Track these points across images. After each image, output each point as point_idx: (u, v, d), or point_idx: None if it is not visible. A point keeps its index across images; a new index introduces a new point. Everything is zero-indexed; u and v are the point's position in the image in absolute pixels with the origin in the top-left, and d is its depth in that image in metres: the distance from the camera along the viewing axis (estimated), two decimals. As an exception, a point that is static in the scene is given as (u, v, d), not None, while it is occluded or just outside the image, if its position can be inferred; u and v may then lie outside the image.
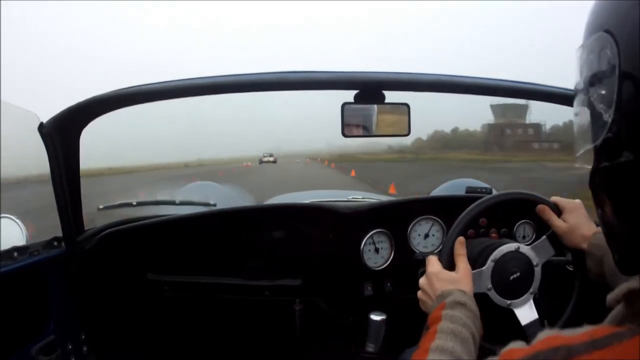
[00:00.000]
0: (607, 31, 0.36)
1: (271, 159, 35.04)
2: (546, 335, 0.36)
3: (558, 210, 0.89)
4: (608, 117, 0.36)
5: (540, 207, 0.90)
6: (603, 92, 0.36)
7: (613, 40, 0.35)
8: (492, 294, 0.84)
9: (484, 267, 0.85)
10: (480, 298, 0.80)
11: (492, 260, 0.85)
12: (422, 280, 0.81)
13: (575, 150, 0.41)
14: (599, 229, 0.80)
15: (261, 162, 33.92)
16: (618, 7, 0.36)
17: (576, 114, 0.41)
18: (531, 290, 0.86)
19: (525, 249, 0.87)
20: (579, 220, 0.86)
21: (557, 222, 0.88)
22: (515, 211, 1.05)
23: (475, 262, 0.86)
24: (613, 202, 0.38)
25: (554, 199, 0.91)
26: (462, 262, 0.81)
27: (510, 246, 0.87)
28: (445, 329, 0.64)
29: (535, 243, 0.90)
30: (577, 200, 0.89)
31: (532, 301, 0.86)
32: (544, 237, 0.90)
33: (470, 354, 0.63)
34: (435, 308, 0.70)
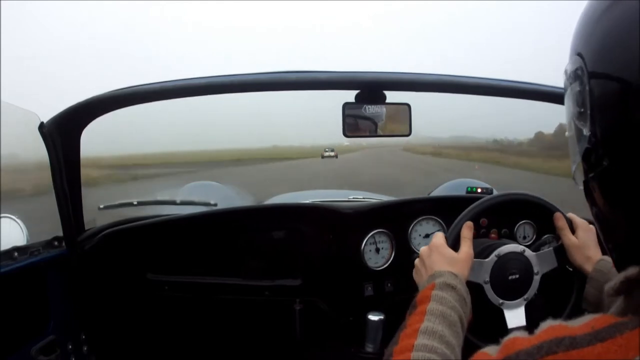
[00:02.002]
0: (578, 54, 0.40)
1: (332, 153, 33.57)
2: (549, 325, 0.37)
3: (571, 227, 0.89)
4: (586, 131, 0.39)
5: (558, 214, 0.90)
6: (581, 109, 0.40)
7: (583, 62, 0.39)
8: (487, 288, 0.84)
9: (486, 259, 0.85)
10: (474, 290, 0.80)
11: (496, 255, 0.85)
12: (423, 249, 0.81)
13: (571, 167, 0.44)
14: (605, 256, 0.82)
15: (322, 156, 32.96)
16: (584, 31, 0.40)
17: (567, 135, 0.45)
18: (526, 296, 0.85)
19: (530, 254, 0.87)
20: (589, 241, 0.85)
21: (569, 234, 0.87)
22: (517, 212, 1.04)
23: (479, 254, 0.86)
24: (607, 202, 0.40)
25: (571, 215, 0.91)
26: (466, 246, 0.80)
27: (516, 247, 0.87)
28: (434, 311, 0.64)
29: (541, 252, 0.89)
30: (592, 226, 0.88)
31: (523, 307, 0.86)
32: (551, 248, 0.90)
33: (458, 338, 0.63)
34: (425, 287, 0.70)
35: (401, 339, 0.60)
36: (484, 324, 0.80)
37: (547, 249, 0.90)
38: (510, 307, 0.85)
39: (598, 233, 0.45)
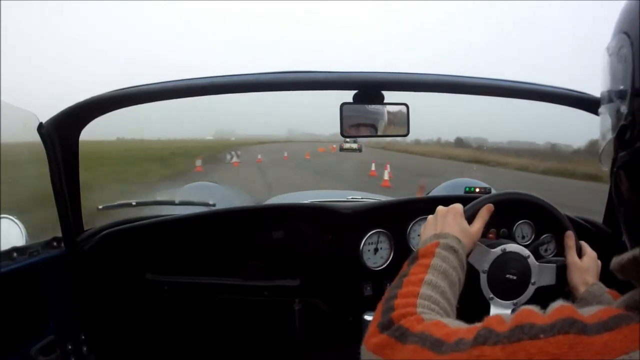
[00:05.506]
0: (625, 33, 0.41)
1: (355, 145, 25.81)
2: (560, 305, 0.38)
3: (580, 252, 0.90)
4: (624, 108, 0.40)
5: (569, 233, 0.90)
6: (621, 87, 0.40)
7: (629, 40, 0.40)
8: (483, 278, 0.84)
9: (492, 250, 0.85)
10: (471, 275, 0.81)
11: (502, 250, 0.85)
12: (440, 208, 0.81)
13: (599, 146, 0.45)
14: (615, 257, 0.82)
15: (342, 149, 26.37)
16: (633, 11, 0.41)
17: (601, 112, 0.45)
18: (516, 301, 0.86)
19: (533, 262, 0.87)
20: (592, 268, 0.86)
21: (574, 253, 0.88)
22: (517, 211, 1.05)
23: (488, 245, 0.87)
24: (631, 182, 0.41)
25: (582, 243, 0.91)
26: (479, 223, 0.80)
27: (523, 250, 0.87)
28: (438, 267, 0.64)
29: (543, 265, 0.89)
30: (599, 260, 0.89)
31: (510, 312, 0.85)
32: (554, 265, 0.89)
33: (455, 299, 0.64)
34: (429, 244, 0.70)
35: (405, 285, 0.60)
36: (468, 310, 0.80)
37: (550, 264, 0.89)
38: (498, 306, 0.85)
39: (620, 219, 0.45)
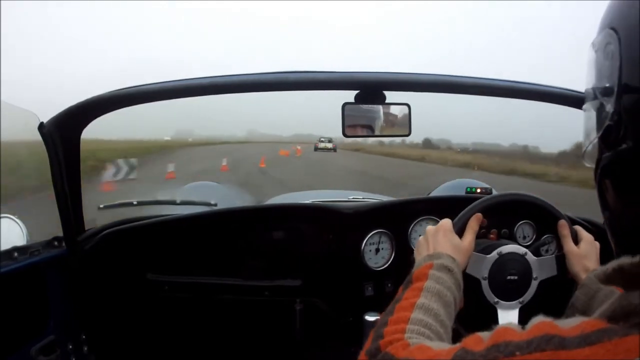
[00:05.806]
0: (612, 28, 0.40)
1: (330, 145, 25.92)
2: (540, 321, 0.38)
3: (575, 238, 0.89)
4: (610, 107, 0.39)
5: (562, 222, 0.90)
6: (607, 84, 0.39)
7: (616, 36, 0.39)
8: (485, 285, 0.84)
9: (488, 255, 0.85)
10: (472, 284, 0.81)
11: (498, 253, 0.85)
12: (429, 228, 0.81)
13: (583, 145, 0.44)
14: (601, 267, 0.81)
15: (316, 148, 25.79)
16: (621, 7, 0.40)
17: (585, 109, 0.44)
18: (521, 299, 0.85)
19: (531, 258, 0.86)
20: (591, 253, 0.85)
21: (570, 242, 0.87)
22: (517, 212, 1.04)
23: (482, 250, 0.86)
24: (616, 189, 0.40)
25: (577, 227, 0.91)
26: (470, 236, 0.80)
27: (518, 248, 0.87)
28: (431, 289, 0.64)
29: (542, 257, 0.88)
30: (597, 242, 0.88)
31: (517, 310, 0.85)
32: (553, 255, 0.89)
33: (450, 319, 0.64)
34: (423, 265, 0.70)
35: (397, 311, 0.60)
36: (477, 319, 0.80)
37: (549, 256, 0.89)
38: (505, 308, 0.85)
39: (605, 227, 0.44)
